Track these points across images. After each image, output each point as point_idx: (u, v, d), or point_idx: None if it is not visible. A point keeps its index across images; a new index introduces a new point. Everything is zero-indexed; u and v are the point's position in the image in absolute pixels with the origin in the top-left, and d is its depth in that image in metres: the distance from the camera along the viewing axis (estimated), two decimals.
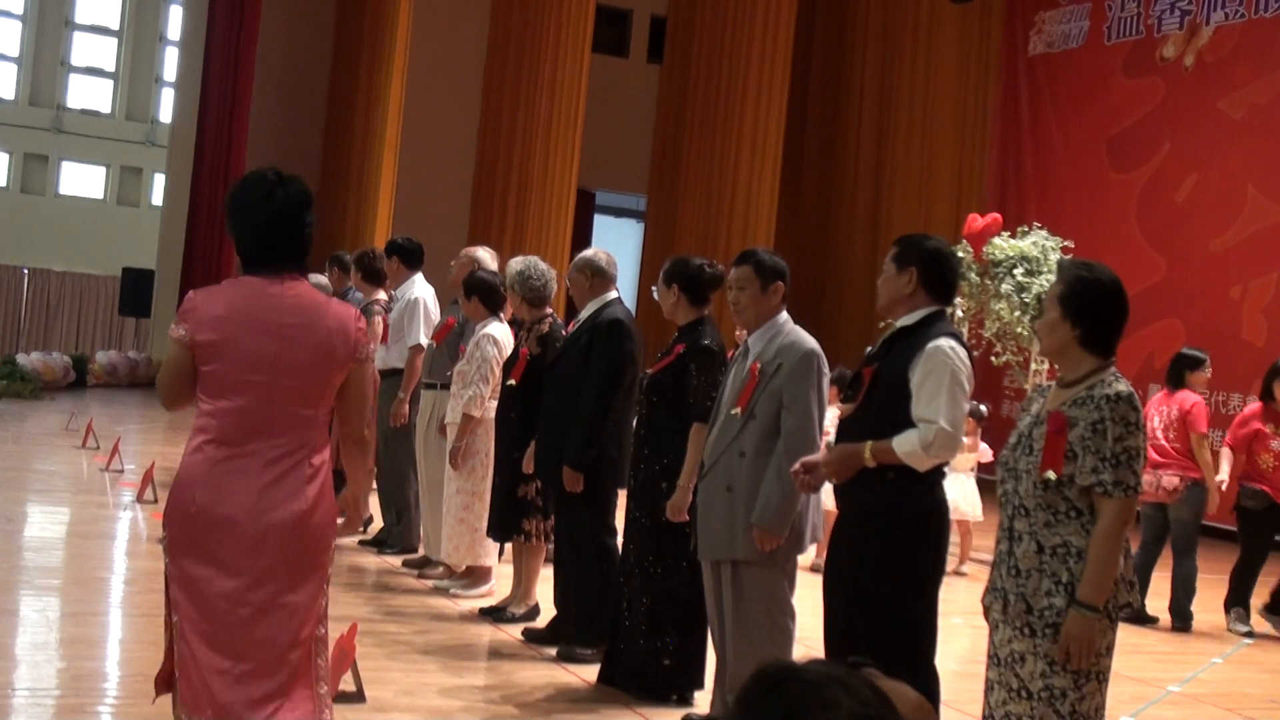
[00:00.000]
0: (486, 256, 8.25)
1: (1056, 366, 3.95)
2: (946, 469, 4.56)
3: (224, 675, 3.65)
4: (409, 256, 8.85)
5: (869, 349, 4.72)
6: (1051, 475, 3.67)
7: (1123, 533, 3.67)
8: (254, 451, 3.71)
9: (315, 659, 3.81)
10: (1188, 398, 8.66)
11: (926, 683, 4.45)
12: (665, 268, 5.88)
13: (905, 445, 4.27)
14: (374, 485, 9.17)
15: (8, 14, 30.46)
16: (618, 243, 19.83)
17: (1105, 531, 3.65)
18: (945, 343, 4.33)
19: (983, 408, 9.97)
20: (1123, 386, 3.71)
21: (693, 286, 5.77)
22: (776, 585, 5.10)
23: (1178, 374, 8.78)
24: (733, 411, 5.07)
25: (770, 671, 1.64)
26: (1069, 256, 9.08)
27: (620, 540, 6.12)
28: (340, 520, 4.01)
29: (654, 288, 5.94)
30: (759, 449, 4.98)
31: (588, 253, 6.73)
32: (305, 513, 3.73)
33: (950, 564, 4.46)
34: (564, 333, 6.97)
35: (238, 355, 3.71)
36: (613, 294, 6.59)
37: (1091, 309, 3.79)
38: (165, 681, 3.84)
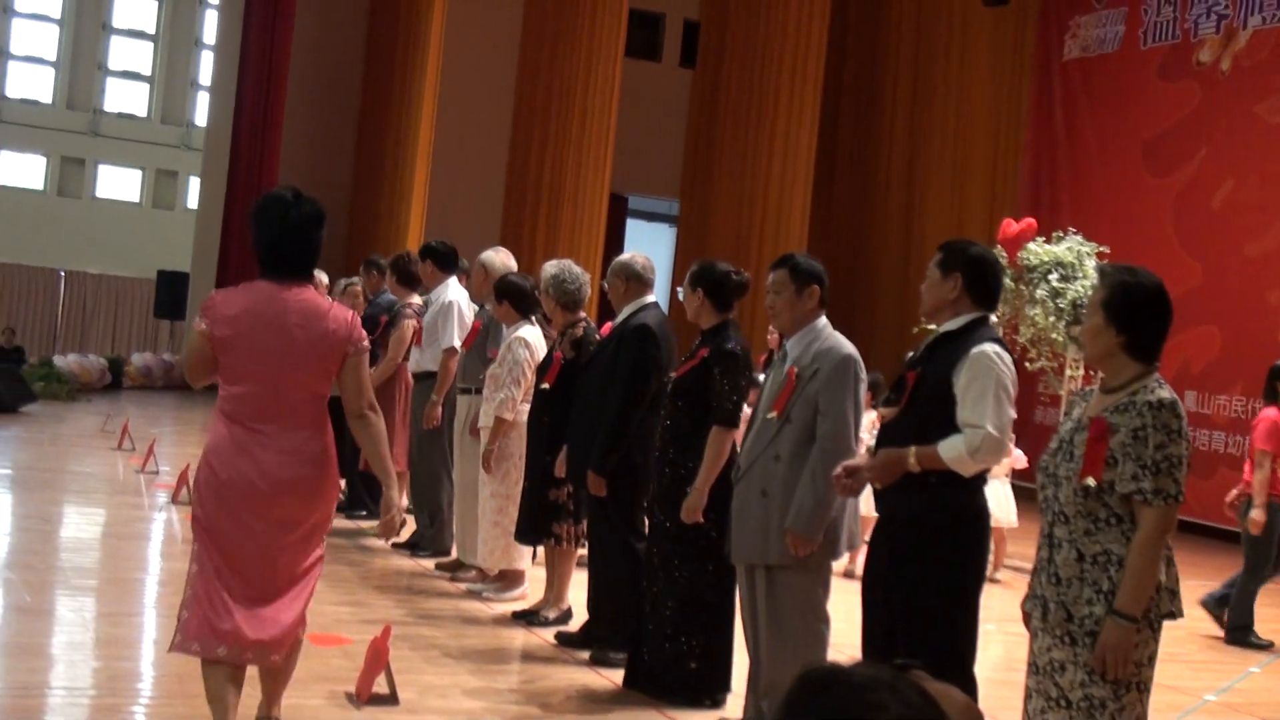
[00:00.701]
0: (496, 258, 8.25)
1: (1097, 373, 3.91)
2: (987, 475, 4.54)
3: (247, 602, 4.34)
4: (443, 260, 8.87)
5: (911, 354, 4.70)
6: (1091, 482, 3.63)
7: (1162, 541, 3.62)
8: (268, 431, 4.36)
9: (311, 584, 4.52)
10: (1265, 413, 8.45)
11: (965, 688, 4.43)
12: (692, 270, 5.87)
13: (951, 450, 4.25)
14: (407, 488, 9.21)
15: (46, 18, 30.72)
16: (650, 247, 19.80)
17: (1144, 540, 3.60)
18: (990, 348, 4.32)
19: None
20: (1166, 393, 3.67)
21: (717, 291, 5.76)
22: (811, 591, 5.09)
23: (1270, 387, 8.46)
24: (769, 415, 5.06)
25: (816, 675, 1.63)
26: (1106, 262, 9.01)
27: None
28: (380, 525, 4.71)
29: (679, 289, 5.94)
30: (795, 453, 4.97)
31: (624, 256, 6.73)
32: (312, 478, 4.41)
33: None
34: (597, 337, 6.99)
35: (247, 348, 4.35)
36: (649, 298, 6.58)
37: (1135, 315, 3.74)
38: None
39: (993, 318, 4.67)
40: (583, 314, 7.21)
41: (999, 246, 11.01)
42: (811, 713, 1.60)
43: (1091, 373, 4.23)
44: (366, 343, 4.58)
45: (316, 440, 4.43)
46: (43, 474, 11.23)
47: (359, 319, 4.58)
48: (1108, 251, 11.00)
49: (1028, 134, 17.13)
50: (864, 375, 5.10)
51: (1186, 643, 8.14)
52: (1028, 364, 11.16)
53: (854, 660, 1.69)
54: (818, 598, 5.12)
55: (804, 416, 4.98)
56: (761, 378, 5.59)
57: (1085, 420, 3.74)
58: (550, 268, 7.21)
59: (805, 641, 5.05)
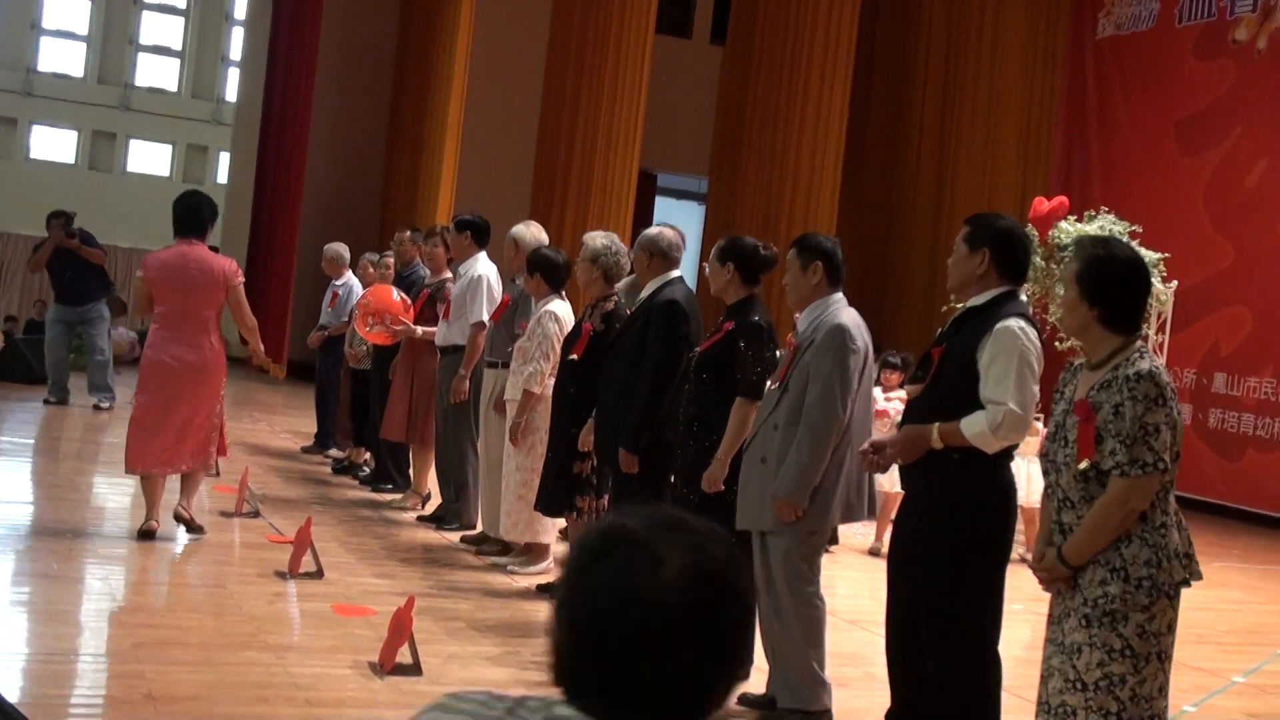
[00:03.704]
0: (527, 232, 8.24)
1: (1082, 346, 3.89)
2: (1014, 452, 4.51)
3: (163, 448, 7.28)
4: (480, 233, 8.84)
5: (940, 330, 4.69)
6: (1086, 464, 3.63)
7: (1124, 508, 3.61)
8: (181, 333, 7.28)
9: (211, 434, 7.47)
10: None
11: (989, 667, 4.42)
12: (720, 245, 5.88)
13: (974, 427, 4.23)
14: (433, 463, 9.23)
15: None
16: (679, 224, 19.66)
17: (1106, 503, 3.63)
18: (1015, 323, 4.29)
19: None
20: (1145, 364, 3.65)
21: (747, 266, 5.77)
22: (793, 556, 5.11)
23: None
24: (771, 386, 5.16)
25: (593, 540, 1.60)
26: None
27: None
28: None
29: (705, 264, 5.95)
30: (789, 421, 5.03)
31: (652, 231, 6.72)
32: (205, 362, 7.34)
33: (1014, 551, 4.42)
34: (626, 312, 6.98)
35: (165, 284, 7.32)
36: (674, 273, 6.57)
37: (1108, 287, 3.73)
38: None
39: (1022, 295, 4.64)
40: (615, 289, 7.22)
41: (1030, 225, 10.93)
42: (594, 575, 1.57)
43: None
44: (242, 278, 7.47)
45: (208, 341, 7.33)
46: (71, 444, 11.31)
47: (235, 264, 7.50)
48: (1140, 230, 10.91)
49: (1060, 112, 16.99)
50: (856, 345, 5.08)
51: (1216, 623, 8.10)
52: (1057, 344, 11.07)
53: (631, 514, 1.63)
54: (800, 564, 5.14)
55: (799, 386, 5.05)
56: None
57: (1073, 402, 3.73)
58: (600, 238, 7.21)
59: (794, 608, 5.08)
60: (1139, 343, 3.75)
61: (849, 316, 5.14)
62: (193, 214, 7.42)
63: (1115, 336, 3.73)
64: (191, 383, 7.30)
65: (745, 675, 1.66)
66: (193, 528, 7.51)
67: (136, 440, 7.30)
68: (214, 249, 7.75)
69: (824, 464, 4.97)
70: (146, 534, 7.32)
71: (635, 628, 1.53)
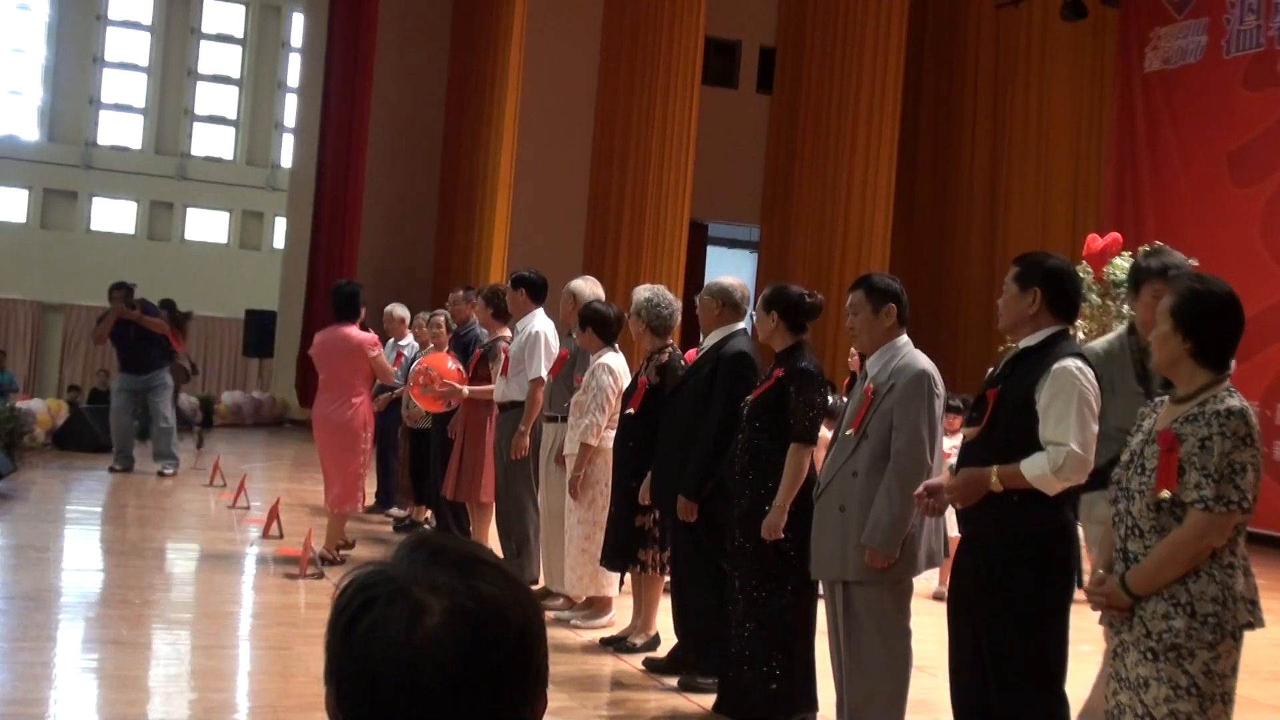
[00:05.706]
0: (585, 287, 8.29)
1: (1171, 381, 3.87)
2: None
3: (326, 481, 9.07)
4: (535, 290, 8.89)
5: (991, 370, 4.68)
6: (1167, 494, 3.60)
7: (1201, 542, 3.58)
8: (333, 394, 8.97)
9: (355, 480, 8.99)
10: None
11: (1056, 709, 4.37)
12: (765, 294, 5.91)
13: (1034, 469, 4.21)
14: (494, 518, 9.25)
15: (134, 67, 31.40)
16: (731, 274, 19.74)
17: (1182, 536, 3.58)
18: (1072, 363, 4.28)
19: None
20: (1235, 402, 3.63)
21: (791, 314, 5.80)
22: (888, 607, 5.07)
23: None
24: (847, 432, 5.09)
25: (350, 596, 1.47)
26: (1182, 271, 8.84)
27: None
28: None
29: (751, 313, 5.97)
30: (871, 469, 4.97)
31: (726, 281, 6.73)
32: (349, 418, 8.96)
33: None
34: (683, 362, 7.00)
35: (321, 357, 9.07)
36: (739, 325, 6.60)
37: (1204, 322, 3.71)
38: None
39: (1080, 334, 4.63)
40: (670, 341, 7.24)
41: (1084, 262, 10.90)
42: (356, 637, 1.43)
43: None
44: (379, 350, 9.15)
45: (348, 400, 8.93)
46: (138, 511, 11.43)
47: (374, 338, 9.16)
48: (1196, 264, 10.81)
49: (1110, 148, 16.93)
50: (940, 391, 5.08)
51: None
52: None
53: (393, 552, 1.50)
54: (895, 614, 5.10)
55: (880, 432, 4.98)
56: (844, 400, 5.59)
57: (1154, 433, 3.70)
58: (643, 291, 7.25)
59: (884, 659, 5.03)
60: (1228, 381, 3.73)
61: (925, 360, 5.13)
62: (349, 302, 9.10)
63: (1205, 372, 3.71)
64: (339, 434, 8.94)
65: (542, 705, 1.52)
66: (326, 560, 8.83)
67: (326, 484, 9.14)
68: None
69: (913, 512, 4.93)
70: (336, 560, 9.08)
71: (405, 690, 1.40)
